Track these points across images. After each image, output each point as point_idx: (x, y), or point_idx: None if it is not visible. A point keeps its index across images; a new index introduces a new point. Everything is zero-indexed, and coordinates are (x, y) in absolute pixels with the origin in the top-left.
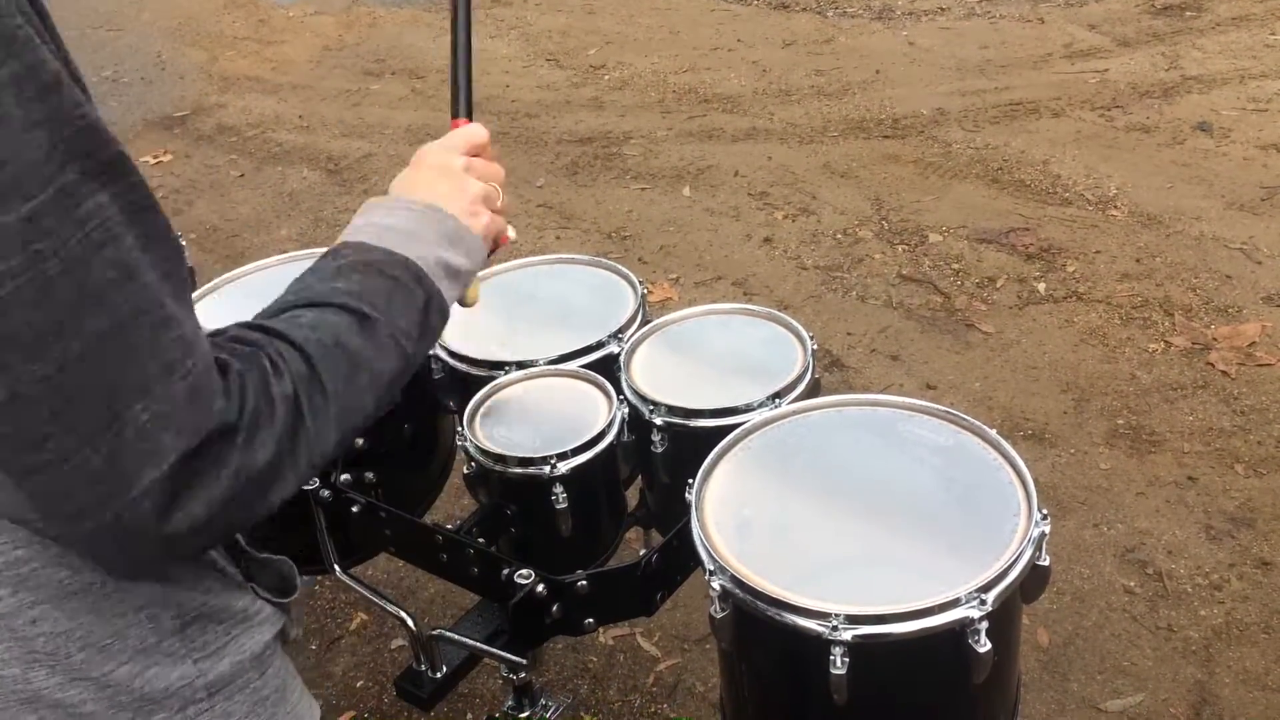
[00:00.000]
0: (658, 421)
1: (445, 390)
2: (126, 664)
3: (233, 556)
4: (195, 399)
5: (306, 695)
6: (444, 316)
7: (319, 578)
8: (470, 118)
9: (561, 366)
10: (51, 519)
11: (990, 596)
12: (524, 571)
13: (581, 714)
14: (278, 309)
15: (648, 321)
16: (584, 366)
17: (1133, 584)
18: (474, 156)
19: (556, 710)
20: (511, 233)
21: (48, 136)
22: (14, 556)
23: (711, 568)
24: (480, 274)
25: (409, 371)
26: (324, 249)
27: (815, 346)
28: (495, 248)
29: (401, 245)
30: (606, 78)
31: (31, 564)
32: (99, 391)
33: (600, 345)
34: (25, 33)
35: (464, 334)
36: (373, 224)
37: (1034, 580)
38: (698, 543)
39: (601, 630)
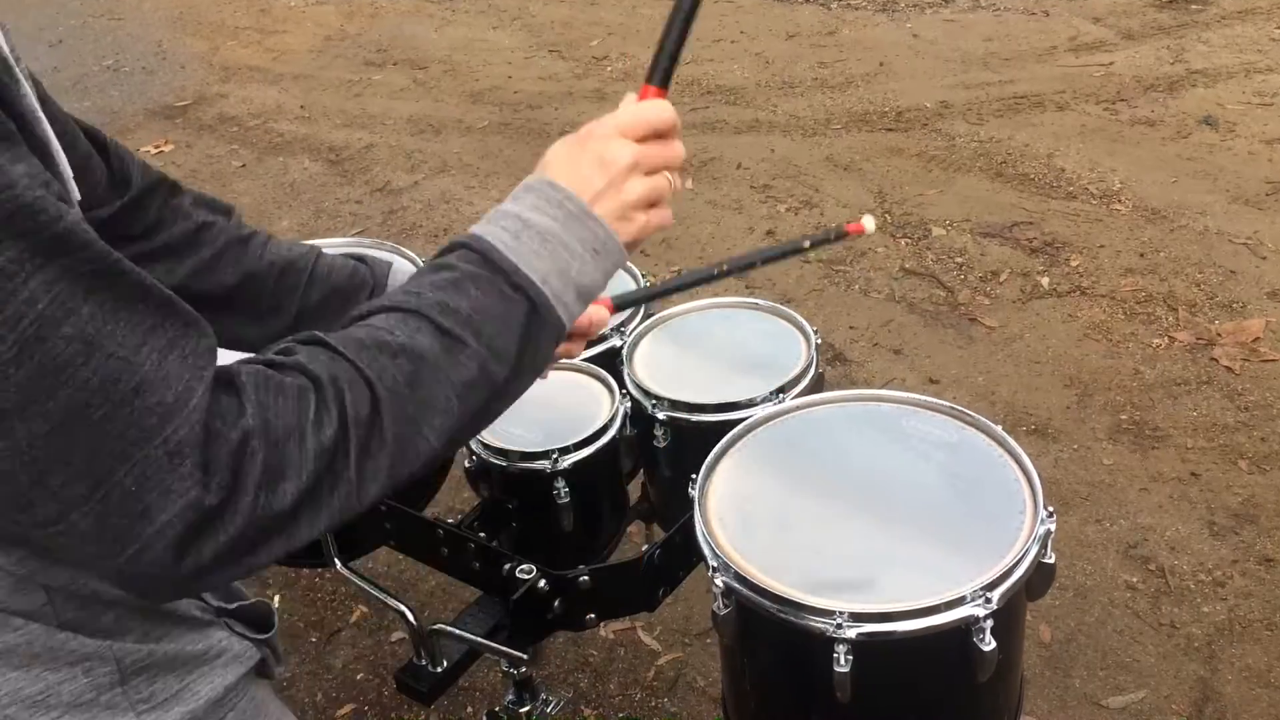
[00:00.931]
0: (660, 416)
1: None
2: (60, 718)
3: (203, 602)
4: (179, 462)
5: None
6: (557, 342)
7: (319, 570)
8: (666, 88)
9: (563, 360)
10: (81, 564)
11: (995, 595)
12: (525, 566)
13: (582, 708)
14: (376, 308)
15: (650, 315)
16: (586, 360)
17: (1135, 580)
18: (651, 139)
19: (557, 705)
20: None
21: None
22: None
23: (715, 564)
24: None
25: (495, 407)
26: (322, 241)
27: (819, 341)
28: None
29: (537, 252)
30: (609, 69)
31: None
32: (76, 461)
33: (603, 338)
34: None
35: None
36: (518, 217)
37: (1039, 578)
38: (701, 539)
39: (602, 624)
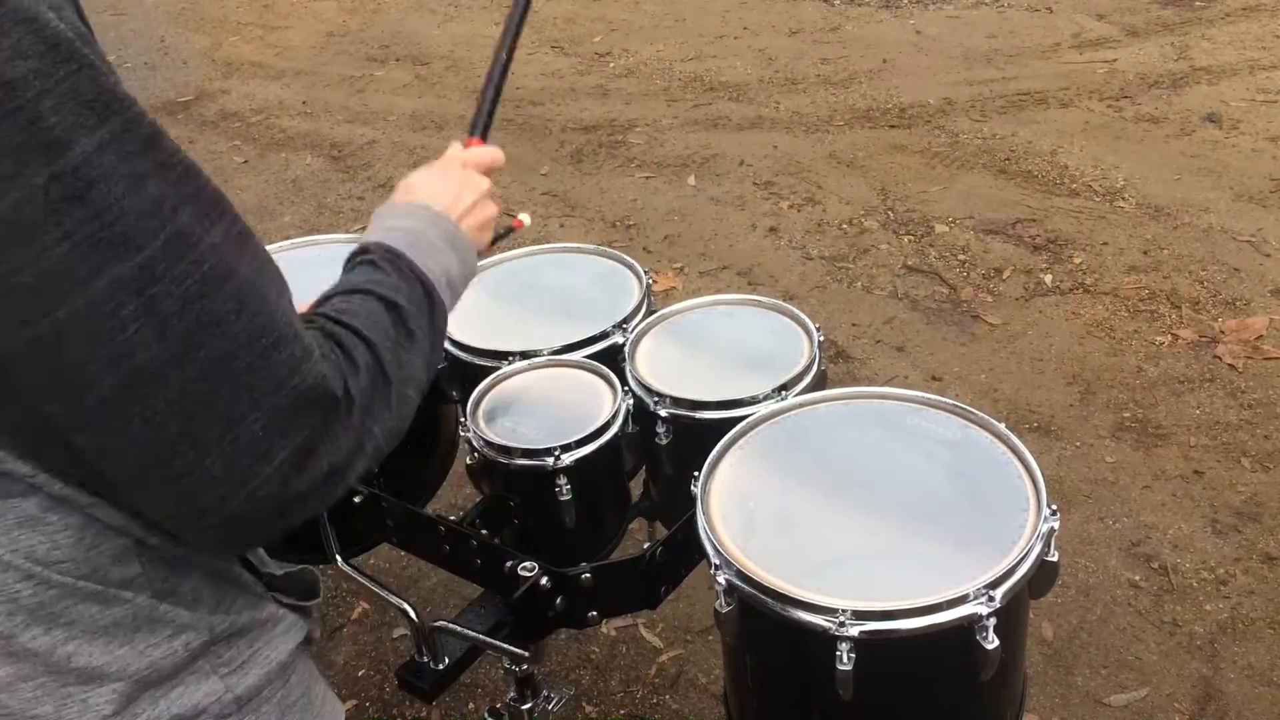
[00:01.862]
0: (662, 413)
1: (448, 380)
2: (168, 693)
3: (254, 570)
4: (301, 405)
5: (331, 697)
6: (445, 322)
7: (321, 567)
8: (485, 140)
9: (566, 357)
10: (175, 519)
11: (999, 593)
12: (527, 564)
13: (583, 705)
14: (326, 297)
15: (653, 312)
16: (588, 357)
17: (1138, 578)
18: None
19: (558, 702)
20: (526, 218)
21: (154, 187)
22: (46, 596)
23: (717, 562)
24: (485, 263)
25: (430, 369)
26: (328, 235)
27: (822, 338)
28: (504, 235)
29: (410, 248)
30: (612, 65)
31: (64, 602)
32: (217, 409)
33: (605, 335)
34: (122, 89)
35: (467, 323)
36: (385, 227)
37: (1042, 576)
38: (703, 536)
39: (603, 621)
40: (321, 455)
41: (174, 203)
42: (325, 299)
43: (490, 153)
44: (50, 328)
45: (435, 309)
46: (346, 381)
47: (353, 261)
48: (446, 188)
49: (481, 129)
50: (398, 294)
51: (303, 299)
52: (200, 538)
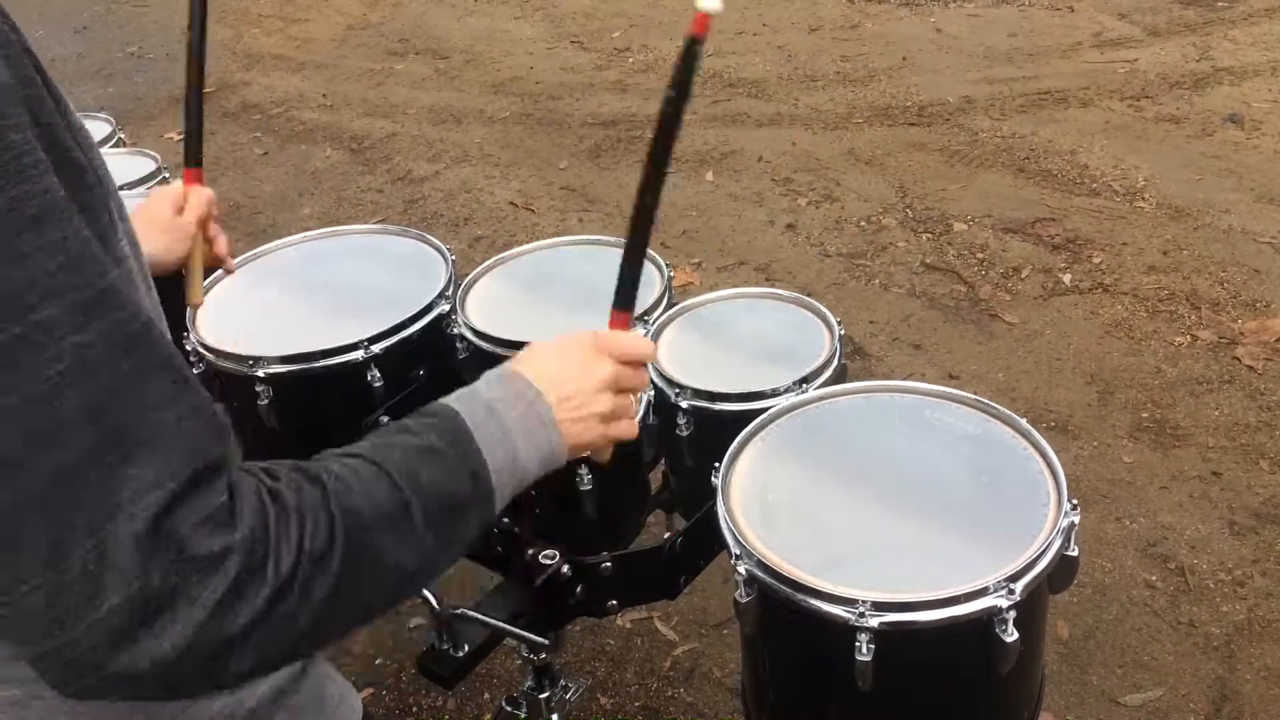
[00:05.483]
0: (683, 405)
1: (470, 370)
2: (171, 704)
3: None
4: (149, 543)
5: (348, 693)
6: (481, 526)
7: None
8: (630, 311)
9: None
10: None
11: (1019, 586)
12: (549, 552)
13: (598, 696)
14: (354, 453)
15: (674, 304)
16: None
17: (1154, 578)
18: (630, 365)
19: (575, 692)
20: (632, 429)
21: (23, 273)
22: None
23: (737, 552)
24: (502, 255)
25: (418, 579)
26: (339, 228)
27: (843, 332)
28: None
29: (500, 442)
30: (631, 60)
31: None
32: (46, 528)
33: None
34: (31, 159)
35: (489, 314)
36: (491, 405)
37: (1062, 571)
38: (724, 527)
39: (619, 613)
40: (179, 618)
41: (41, 293)
42: (346, 455)
43: (636, 344)
44: None
45: (470, 508)
46: (257, 547)
47: (418, 418)
48: (565, 364)
49: (626, 302)
50: (419, 487)
51: (325, 287)
52: (36, 667)
